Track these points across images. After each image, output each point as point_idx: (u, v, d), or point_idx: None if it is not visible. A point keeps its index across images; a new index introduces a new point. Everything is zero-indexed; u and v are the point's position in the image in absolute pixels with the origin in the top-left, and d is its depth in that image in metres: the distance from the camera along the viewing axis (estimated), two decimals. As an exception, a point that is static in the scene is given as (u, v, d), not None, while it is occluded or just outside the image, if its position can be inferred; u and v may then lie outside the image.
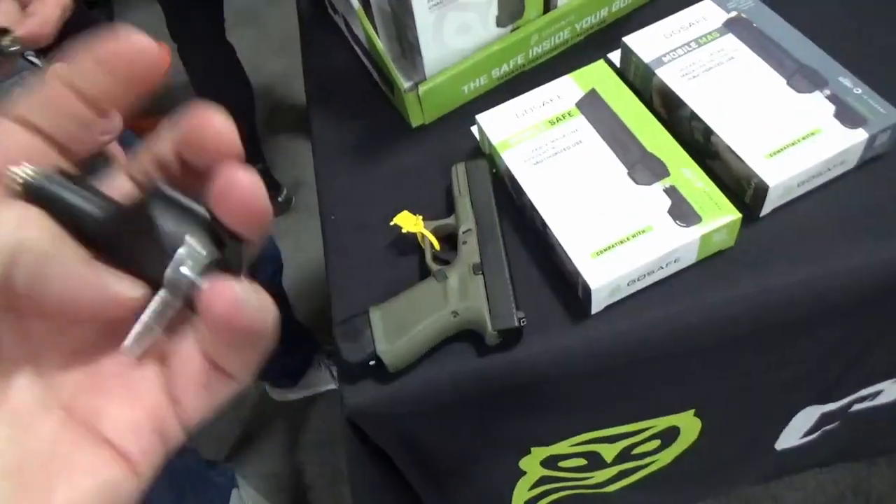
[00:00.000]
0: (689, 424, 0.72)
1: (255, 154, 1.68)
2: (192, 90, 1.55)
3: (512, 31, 0.71)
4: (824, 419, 0.81)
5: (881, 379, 0.77)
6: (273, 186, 1.73)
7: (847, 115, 0.59)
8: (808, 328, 0.60)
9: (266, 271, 1.07)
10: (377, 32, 0.72)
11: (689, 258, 0.58)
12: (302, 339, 1.29)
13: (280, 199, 1.75)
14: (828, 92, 0.61)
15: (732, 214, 0.57)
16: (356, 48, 0.81)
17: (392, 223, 0.63)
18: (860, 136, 0.58)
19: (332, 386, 1.38)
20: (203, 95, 1.54)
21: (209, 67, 1.51)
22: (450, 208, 0.65)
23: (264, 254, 1.05)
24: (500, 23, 0.70)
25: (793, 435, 0.83)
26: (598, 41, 0.76)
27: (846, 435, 0.86)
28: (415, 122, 0.74)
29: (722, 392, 0.68)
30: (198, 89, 1.54)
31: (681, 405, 0.68)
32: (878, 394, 0.80)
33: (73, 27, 0.54)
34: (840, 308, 0.59)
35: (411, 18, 0.64)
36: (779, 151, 0.58)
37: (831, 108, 0.60)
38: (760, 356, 0.62)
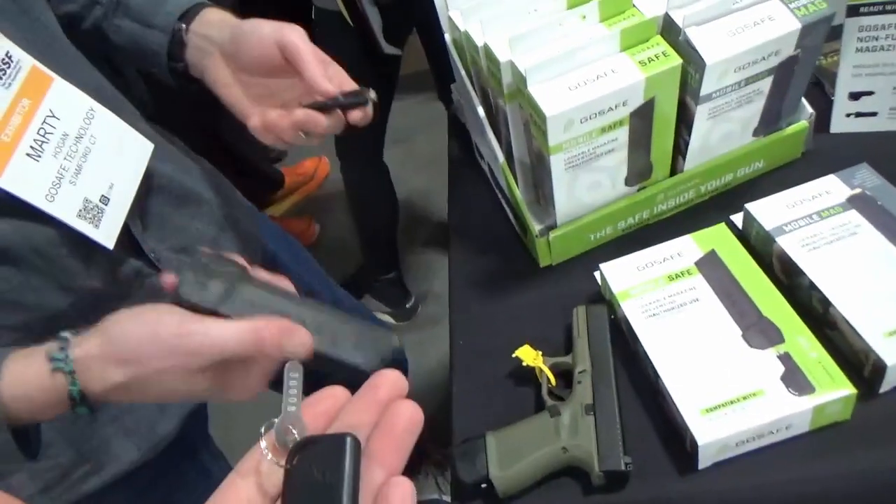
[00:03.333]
0: None
1: (391, 262, 1.83)
2: (345, 199, 1.75)
3: (639, 189, 0.78)
4: None
5: None
6: (403, 294, 1.86)
7: (975, 302, 0.59)
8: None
9: None
10: (516, 181, 0.81)
11: (802, 427, 0.59)
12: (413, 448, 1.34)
13: (408, 305, 1.87)
14: (955, 276, 0.62)
15: (847, 389, 0.58)
16: (496, 190, 0.91)
17: (514, 355, 0.70)
18: None
19: (435, 496, 1.41)
20: (354, 206, 1.73)
21: (364, 183, 1.70)
22: (568, 347, 0.71)
23: (392, 359, 1.13)
24: (629, 182, 0.77)
25: None
26: (722, 203, 0.81)
27: None
28: (543, 262, 0.81)
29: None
30: (351, 200, 1.73)
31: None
32: None
33: None
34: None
35: (548, 176, 0.72)
36: (900, 330, 0.59)
37: (958, 292, 0.61)
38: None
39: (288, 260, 0.88)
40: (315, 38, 1.42)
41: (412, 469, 1.40)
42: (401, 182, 2.20)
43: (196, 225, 0.72)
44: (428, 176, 2.26)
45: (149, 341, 0.44)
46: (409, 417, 0.31)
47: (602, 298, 0.75)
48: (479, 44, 0.74)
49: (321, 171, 2.36)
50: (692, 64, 0.68)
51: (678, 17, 0.68)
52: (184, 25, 0.66)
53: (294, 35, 0.61)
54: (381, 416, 0.31)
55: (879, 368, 0.59)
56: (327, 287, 0.97)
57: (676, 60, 0.67)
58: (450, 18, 0.81)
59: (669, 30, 0.70)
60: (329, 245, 2.21)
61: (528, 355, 0.69)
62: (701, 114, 0.72)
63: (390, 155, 1.95)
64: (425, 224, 2.14)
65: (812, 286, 0.65)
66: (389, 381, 0.33)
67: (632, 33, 0.68)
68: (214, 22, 0.66)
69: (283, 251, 0.88)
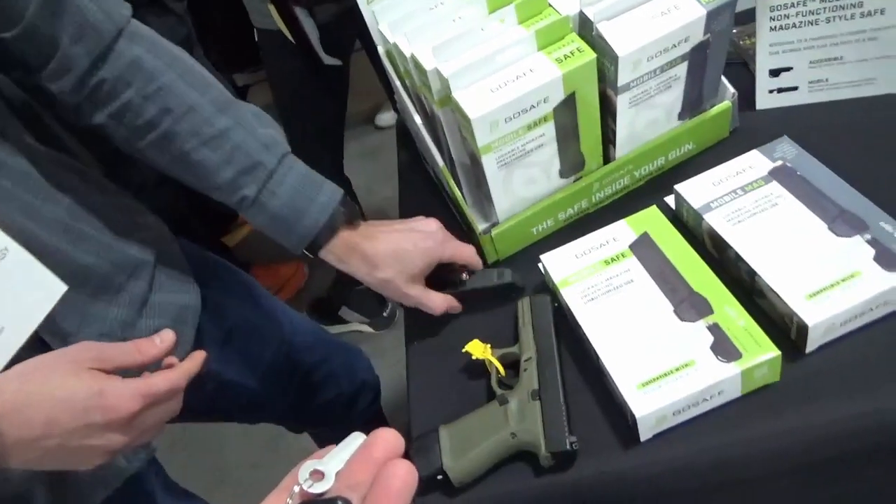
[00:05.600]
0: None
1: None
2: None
3: (575, 180, 0.81)
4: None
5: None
6: (379, 302, 1.88)
7: (887, 259, 0.63)
8: (854, 466, 0.61)
9: (366, 399, 1.17)
10: (458, 183, 0.84)
11: (734, 392, 0.62)
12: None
13: (385, 314, 1.89)
14: (868, 236, 0.65)
15: (772, 352, 0.61)
16: (443, 193, 0.94)
17: (464, 350, 0.72)
18: (899, 278, 0.61)
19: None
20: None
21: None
22: (515, 337, 0.73)
23: (364, 383, 1.17)
24: (563, 175, 0.80)
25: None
26: (658, 186, 0.84)
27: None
28: (490, 258, 0.84)
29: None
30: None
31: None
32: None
33: None
34: (886, 447, 0.60)
35: (483, 175, 0.75)
36: (819, 292, 0.62)
37: (871, 251, 0.64)
38: (808, 491, 0.63)
39: (233, 303, 0.91)
40: (261, 60, 1.45)
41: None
42: (370, 191, 2.24)
43: (113, 311, 0.74)
44: (396, 185, 2.29)
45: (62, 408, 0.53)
46: (403, 478, 0.32)
47: (546, 288, 0.78)
48: (407, 54, 0.77)
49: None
50: (607, 57, 0.71)
51: (591, 14, 0.71)
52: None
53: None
54: (377, 477, 0.32)
55: (803, 329, 0.62)
56: (286, 317, 1.00)
57: (591, 55, 0.70)
58: (380, 31, 0.83)
59: (584, 26, 0.73)
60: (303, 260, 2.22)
61: (476, 349, 0.72)
62: (622, 103, 0.75)
63: (360, 168, 1.97)
64: (397, 232, 2.16)
65: (738, 258, 0.68)
66: (385, 440, 0.34)
67: (546, 33, 0.71)
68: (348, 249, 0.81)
69: (228, 293, 0.91)
